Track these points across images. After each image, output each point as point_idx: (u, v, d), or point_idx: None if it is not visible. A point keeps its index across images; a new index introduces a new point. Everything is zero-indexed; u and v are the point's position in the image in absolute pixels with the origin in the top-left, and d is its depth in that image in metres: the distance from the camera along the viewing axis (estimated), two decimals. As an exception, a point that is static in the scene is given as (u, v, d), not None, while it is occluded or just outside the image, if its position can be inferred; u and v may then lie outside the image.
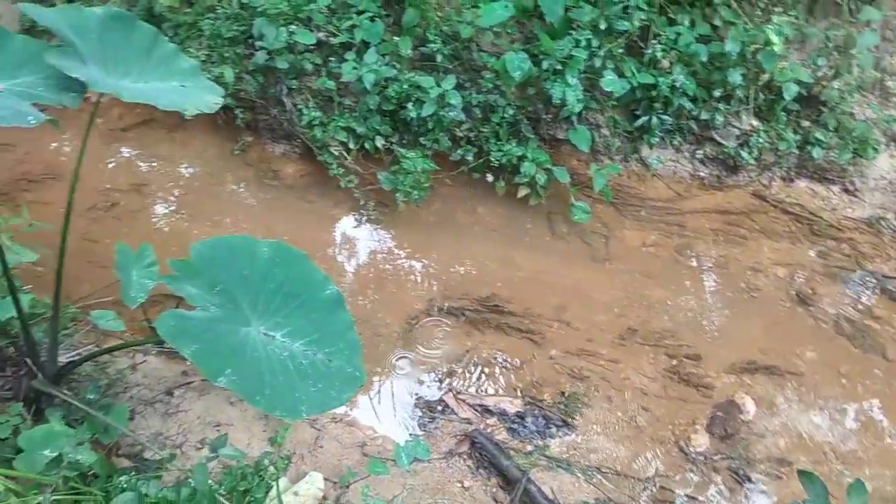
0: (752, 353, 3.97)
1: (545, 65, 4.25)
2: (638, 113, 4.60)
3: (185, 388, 3.39)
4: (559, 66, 4.26)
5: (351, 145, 4.66)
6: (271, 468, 2.84)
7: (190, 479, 2.26)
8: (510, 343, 3.96)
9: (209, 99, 2.45)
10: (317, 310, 2.19)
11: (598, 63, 4.37)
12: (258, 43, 4.55)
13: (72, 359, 2.91)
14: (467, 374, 3.82)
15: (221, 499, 2.45)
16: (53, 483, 1.92)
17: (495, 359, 3.88)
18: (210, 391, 3.39)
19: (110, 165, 4.91)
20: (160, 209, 4.63)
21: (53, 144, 4.96)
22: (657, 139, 4.63)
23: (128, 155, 5.00)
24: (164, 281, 2.29)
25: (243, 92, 4.78)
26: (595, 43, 4.36)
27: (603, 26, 4.32)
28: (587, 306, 4.16)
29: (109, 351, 3.03)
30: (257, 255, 2.12)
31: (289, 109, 4.72)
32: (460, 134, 4.67)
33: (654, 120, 4.53)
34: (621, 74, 4.39)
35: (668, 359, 3.94)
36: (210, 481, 2.61)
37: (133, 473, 2.44)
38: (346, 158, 4.70)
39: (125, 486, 2.11)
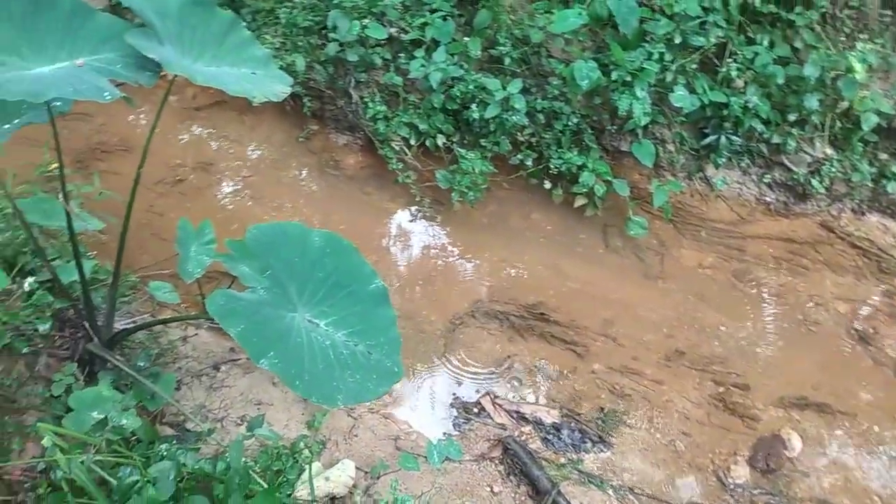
0: (803, 389, 3.83)
1: (614, 75, 4.19)
2: (706, 131, 4.49)
3: (231, 365, 3.48)
4: (629, 78, 4.20)
5: (412, 141, 4.70)
6: (306, 451, 2.89)
7: (227, 454, 2.32)
8: (553, 353, 3.92)
9: (278, 88, 2.51)
10: (362, 302, 2.22)
11: (669, 77, 4.28)
12: (331, 34, 4.63)
13: (126, 326, 3.03)
14: (506, 380, 3.81)
15: (255, 476, 2.51)
16: (97, 444, 2.01)
17: (536, 367, 3.85)
18: (255, 370, 3.48)
19: (181, 142, 5.08)
20: (224, 188, 4.77)
21: (130, 117, 5.15)
22: (724, 159, 4.51)
23: (198, 133, 5.16)
24: (221, 259, 2.37)
25: (313, 81, 4.88)
26: (668, 57, 4.28)
27: (678, 40, 4.23)
28: (635, 323, 4.09)
29: (163, 322, 3.14)
30: (309, 244, 2.17)
31: (355, 101, 4.79)
32: (521, 138, 4.66)
33: (723, 140, 4.41)
34: (692, 91, 4.29)
35: (715, 385, 3.84)
36: (247, 458, 2.69)
37: (174, 442, 2.53)
38: (406, 154, 4.74)
39: (165, 453, 2.19)
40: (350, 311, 2.20)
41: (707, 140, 4.48)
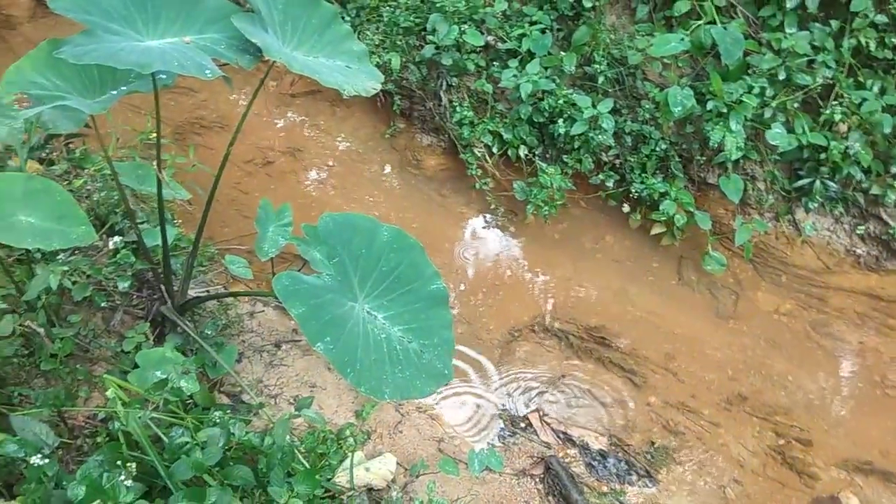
0: (870, 453, 3.62)
1: (710, 105, 4.08)
2: (801, 173, 4.31)
3: (291, 345, 3.59)
4: (724, 110, 4.08)
5: (494, 149, 4.72)
6: (350, 439, 2.94)
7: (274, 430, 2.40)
8: (609, 379, 3.85)
9: (368, 84, 2.57)
10: (421, 301, 2.25)
11: (767, 114, 4.14)
12: (429, 37, 4.71)
13: (199, 294, 3.17)
14: (557, 399, 3.76)
15: (299, 455, 2.58)
16: (156, 402, 2.12)
17: (590, 391, 3.79)
18: (312, 353, 3.57)
19: (274, 126, 5.27)
20: (308, 174, 4.92)
21: (231, 97, 5.39)
22: (816, 204, 4.31)
23: (291, 119, 5.34)
24: (295, 242, 2.45)
25: (405, 81, 4.97)
26: (769, 92, 4.14)
27: (781, 76, 4.08)
28: (699, 361, 3.97)
29: (234, 295, 3.27)
30: (377, 238, 2.22)
31: (443, 104, 4.84)
32: (605, 158, 4.60)
33: (818, 184, 4.22)
34: (791, 130, 4.13)
35: (775, 436, 3.68)
36: (294, 438, 2.77)
37: (227, 411, 2.63)
38: (486, 161, 4.76)
39: (217, 420, 2.27)
40: (408, 308, 2.23)
41: (800, 182, 4.30)
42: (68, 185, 3.45)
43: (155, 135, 3.78)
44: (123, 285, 2.75)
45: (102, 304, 2.86)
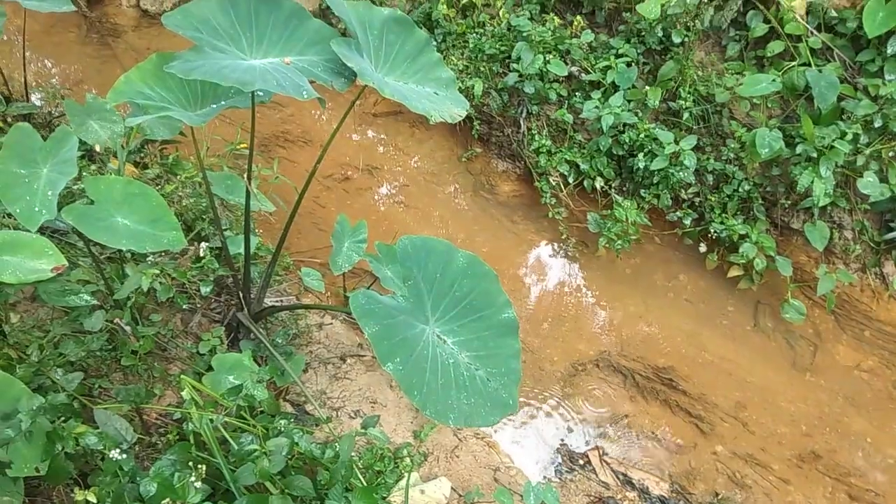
0: (956, 531, 3.39)
1: (799, 149, 3.96)
2: (892, 225, 4.11)
3: (356, 359, 3.64)
4: (814, 154, 3.94)
5: (570, 179, 4.70)
6: (407, 460, 2.96)
7: (336, 444, 2.43)
8: (674, 422, 3.74)
9: (455, 110, 2.61)
10: (491, 329, 2.25)
11: (859, 161, 3.97)
12: (513, 64, 4.74)
13: (274, 303, 3.26)
14: (619, 439, 3.68)
15: (357, 471, 2.61)
16: (228, 407, 2.18)
17: (654, 434, 3.69)
18: (376, 369, 3.61)
19: (355, 143, 5.40)
20: (384, 192, 5.01)
21: (316, 113, 5.55)
22: (908, 259, 4.11)
23: (371, 138, 5.46)
24: (368, 259, 2.50)
25: (486, 106, 5.01)
26: (863, 139, 3.97)
27: (877, 124, 3.92)
28: (771, 412, 3.81)
29: (307, 307, 3.35)
30: (453, 263, 2.24)
31: (522, 131, 4.86)
32: (684, 196, 4.51)
33: (912, 237, 4.02)
34: (884, 179, 3.95)
35: (849, 499, 3.49)
36: (354, 453, 2.80)
37: (292, 420, 2.68)
38: (561, 191, 4.74)
39: (282, 429, 2.32)
40: (478, 334, 2.23)
41: (891, 234, 4.10)
42: (160, 189, 3.62)
43: (244, 146, 3.94)
44: (205, 290, 2.85)
45: (184, 306, 2.98)
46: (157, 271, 2.41)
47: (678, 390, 3.87)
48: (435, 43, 5.22)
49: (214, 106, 2.44)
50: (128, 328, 2.42)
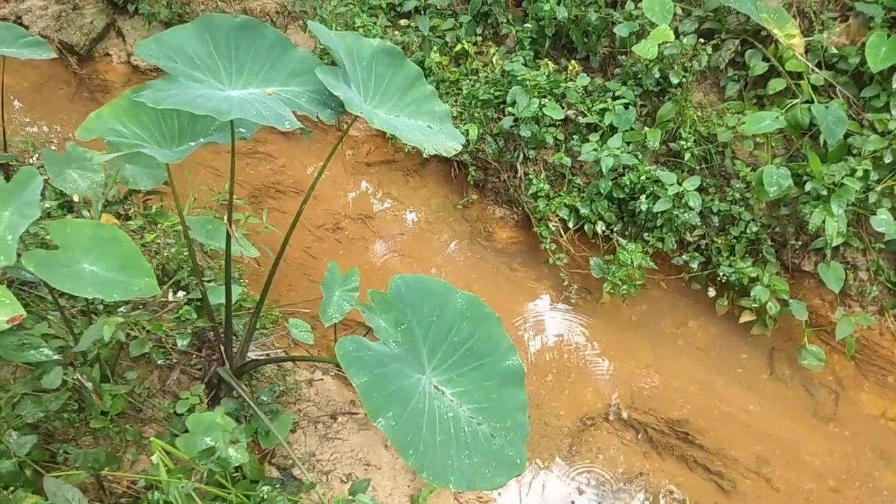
0: None
1: (808, 187, 3.81)
2: (910, 264, 3.94)
3: (348, 418, 3.38)
4: (824, 192, 3.79)
5: (570, 224, 4.53)
6: (404, 528, 2.69)
7: (324, 512, 2.18)
8: (692, 480, 3.47)
9: (449, 144, 2.45)
10: (494, 378, 2.03)
11: (871, 198, 3.82)
12: (508, 109, 4.64)
13: (258, 357, 3.03)
14: (634, 499, 3.40)
15: (348, 542, 2.34)
16: (201, 471, 1.95)
17: (671, 493, 3.42)
18: (370, 427, 3.35)
19: (348, 193, 5.25)
20: (377, 243, 4.83)
21: (309, 168, 5.42)
22: (928, 299, 3.91)
23: (365, 187, 5.32)
24: (360, 308, 2.30)
25: (482, 152, 4.89)
26: (874, 176, 3.83)
27: (887, 160, 3.79)
28: (795, 467, 3.54)
29: (292, 360, 3.12)
30: (450, 305, 2.04)
31: (519, 176, 4.72)
32: (690, 239, 4.34)
33: (930, 277, 3.83)
34: (899, 216, 3.80)
35: (888, 564, 3.20)
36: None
37: (277, 486, 2.43)
38: (561, 236, 4.57)
39: (265, 497, 2.08)
40: (480, 384, 2.01)
41: (909, 274, 3.92)
42: (140, 239, 3.44)
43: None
44: (182, 343, 2.63)
45: (160, 362, 2.75)
46: (122, 321, 2.20)
47: (695, 445, 3.61)
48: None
49: (192, 144, 2.28)
50: (89, 385, 2.19)
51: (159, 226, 3.50)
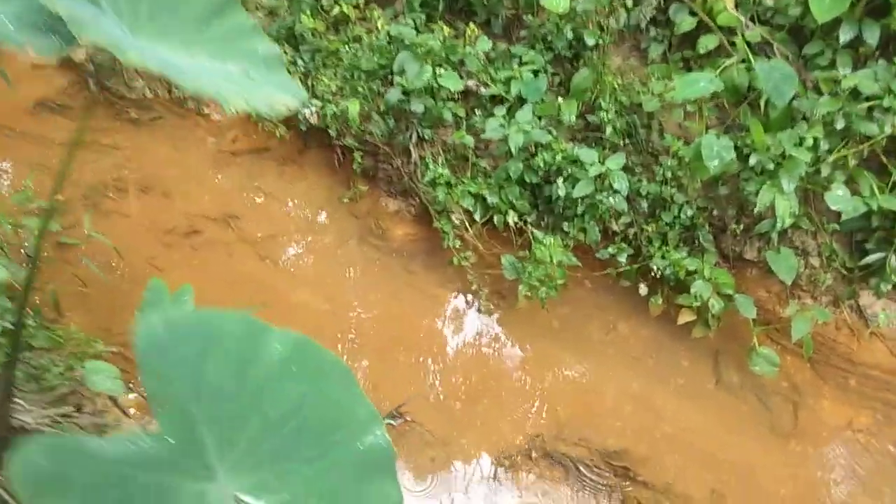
0: None
1: (753, 160, 3.20)
2: (867, 247, 3.39)
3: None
4: (770, 166, 3.19)
5: (476, 216, 3.78)
6: None
7: None
8: (638, 529, 2.79)
9: (279, 99, 1.63)
10: (344, 469, 1.22)
11: (824, 171, 3.26)
12: (396, 79, 3.83)
13: (27, 424, 2.10)
14: (568, 560, 2.69)
15: None
16: None
17: (613, 549, 2.72)
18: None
19: (208, 189, 4.31)
20: (242, 248, 3.93)
21: (162, 154, 4.44)
22: (889, 287, 3.37)
23: (229, 182, 4.39)
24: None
25: (369, 134, 4.07)
26: (824, 146, 3.26)
27: (839, 125, 3.22)
28: (757, 499, 2.92)
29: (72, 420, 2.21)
30: (261, 356, 1.20)
31: (414, 161, 3.93)
32: (616, 228, 3.67)
33: (892, 261, 3.30)
34: (855, 192, 3.24)
35: None
36: None
37: None
38: (467, 231, 3.82)
39: None
40: (320, 484, 1.20)
41: (869, 258, 3.36)
42: None
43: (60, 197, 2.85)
44: None
45: None
46: None
47: (637, 482, 2.93)
48: (302, 63, 4.27)
49: None
50: None
51: None
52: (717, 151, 3.08)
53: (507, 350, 3.56)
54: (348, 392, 1.26)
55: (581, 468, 2.95)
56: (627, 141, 3.68)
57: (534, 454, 3.00)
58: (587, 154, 3.49)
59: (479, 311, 3.70)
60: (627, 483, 2.91)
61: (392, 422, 3.08)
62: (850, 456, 3.08)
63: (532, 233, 3.61)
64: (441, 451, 3.01)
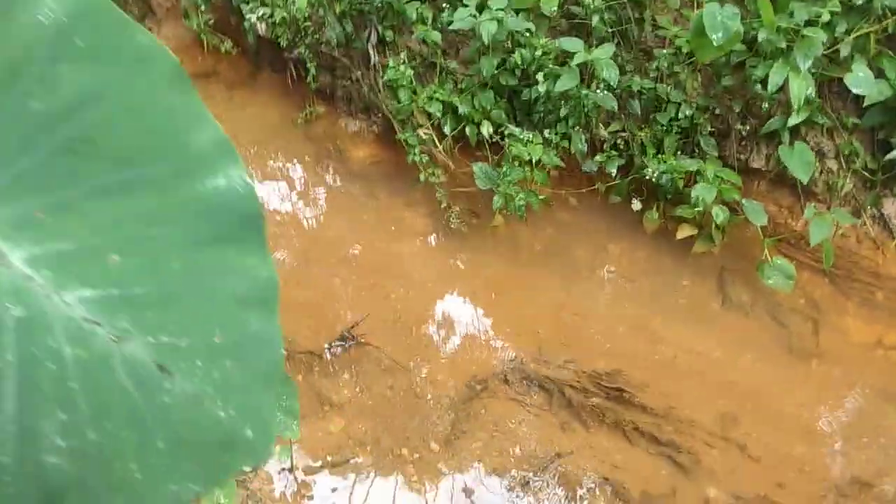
0: None
1: (760, 37, 2.75)
2: (894, 141, 2.95)
3: None
4: (782, 45, 2.75)
5: (445, 129, 3.33)
6: None
7: None
8: (636, 457, 2.32)
9: None
10: (169, 216, 0.75)
11: (844, 52, 2.82)
12: (353, -30, 3.37)
13: None
14: (552, 494, 2.21)
15: None
16: None
17: (606, 479, 2.24)
18: None
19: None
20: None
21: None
22: (919, 188, 2.94)
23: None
24: None
25: (325, 44, 3.60)
26: (841, 26, 2.83)
27: (859, 1, 2.78)
28: (775, 424, 2.45)
29: None
30: (15, 18, 0.73)
31: (374, 65, 3.46)
32: (604, 134, 3.22)
33: (923, 155, 2.85)
34: (880, 74, 2.80)
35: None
36: None
37: None
38: (435, 146, 3.36)
39: None
40: (125, 229, 0.72)
41: (891, 156, 2.92)
42: None
43: None
44: None
45: None
46: None
47: (633, 405, 2.46)
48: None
49: None
50: None
51: None
52: (720, 21, 2.63)
53: (481, 274, 3.10)
54: (181, 99, 0.79)
55: (565, 390, 2.47)
56: (617, 33, 3.22)
57: (510, 377, 2.53)
58: (572, 43, 3.04)
59: (450, 233, 3.23)
60: (621, 407, 2.44)
61: (343, 343, 2.60)
62: (881, 376, 2.62)
63: (508, 128, 3.13)
64: (400, 379, 2.53)
